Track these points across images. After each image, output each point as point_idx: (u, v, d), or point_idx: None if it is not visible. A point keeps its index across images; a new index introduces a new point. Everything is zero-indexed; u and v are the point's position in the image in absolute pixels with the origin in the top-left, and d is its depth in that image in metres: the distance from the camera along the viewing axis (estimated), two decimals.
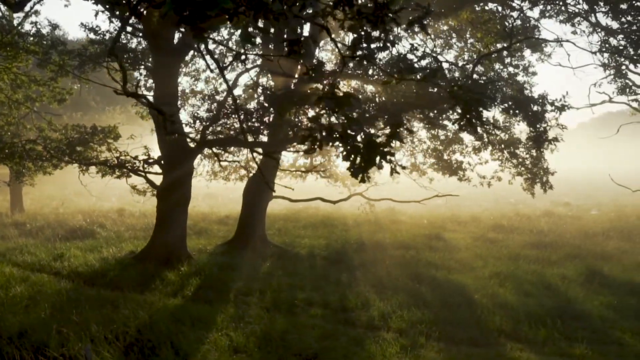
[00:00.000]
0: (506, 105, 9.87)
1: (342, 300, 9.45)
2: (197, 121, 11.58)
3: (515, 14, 12.13)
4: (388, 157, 3.06)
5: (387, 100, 11.01)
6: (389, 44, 3.36)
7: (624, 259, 13.22)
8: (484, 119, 10.57)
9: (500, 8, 12.78)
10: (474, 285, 10.54)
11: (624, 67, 11.97)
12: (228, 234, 16.67)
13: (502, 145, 14.26)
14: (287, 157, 24.85)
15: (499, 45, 17.00)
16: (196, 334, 7.14)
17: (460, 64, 13.17)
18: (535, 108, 9.84)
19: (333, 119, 3.30)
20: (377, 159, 2.99)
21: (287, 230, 18.53)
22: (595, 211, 23.36)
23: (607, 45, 11.75)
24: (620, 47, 11.42)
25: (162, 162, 12.58)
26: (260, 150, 10.34)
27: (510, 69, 17.07)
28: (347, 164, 3.11)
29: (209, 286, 10.40)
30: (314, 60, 12.78)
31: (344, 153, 3.08)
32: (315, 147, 3.14)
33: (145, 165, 13.02)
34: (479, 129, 10.19)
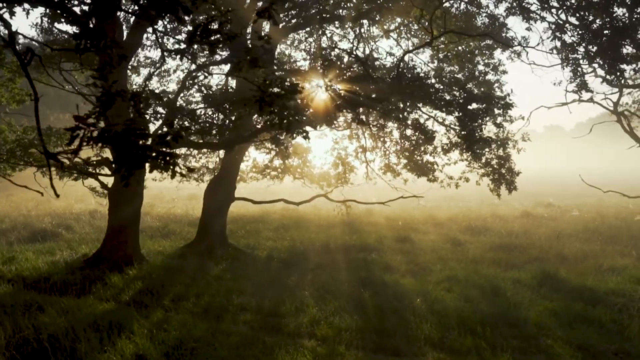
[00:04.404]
0: (442, 102, 9.55)
1: (277, 305, 9.19)
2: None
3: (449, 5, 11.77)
4: (169, 159, 2.82)
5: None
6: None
7: (584, 261, 12.88)
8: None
9: (458, 5, 12.49)
10: (421, 290, 10.25)
11: (579, 66, 11.64)
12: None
13: (465, 146, 13.96)
14: (261, 158, 24.56)
15: (477, 44, 16.68)
16: (104, 340, 6.91)
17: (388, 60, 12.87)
18: (472, 106, 9.52)
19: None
20: (157, 162, 2.77)
21: (256, 231, 18.30)
22: (577, 212, 22.95)
23: (560, 43, 11.43)
24: (575, 45, 11.09)
25: (112, 163, 12.36)
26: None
27: (480, 67, 16.83)
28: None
29: (149, 290, 10.18)
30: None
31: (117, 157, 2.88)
32: (82, 148, 2.94)
33: (97, 168, 12.82)
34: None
